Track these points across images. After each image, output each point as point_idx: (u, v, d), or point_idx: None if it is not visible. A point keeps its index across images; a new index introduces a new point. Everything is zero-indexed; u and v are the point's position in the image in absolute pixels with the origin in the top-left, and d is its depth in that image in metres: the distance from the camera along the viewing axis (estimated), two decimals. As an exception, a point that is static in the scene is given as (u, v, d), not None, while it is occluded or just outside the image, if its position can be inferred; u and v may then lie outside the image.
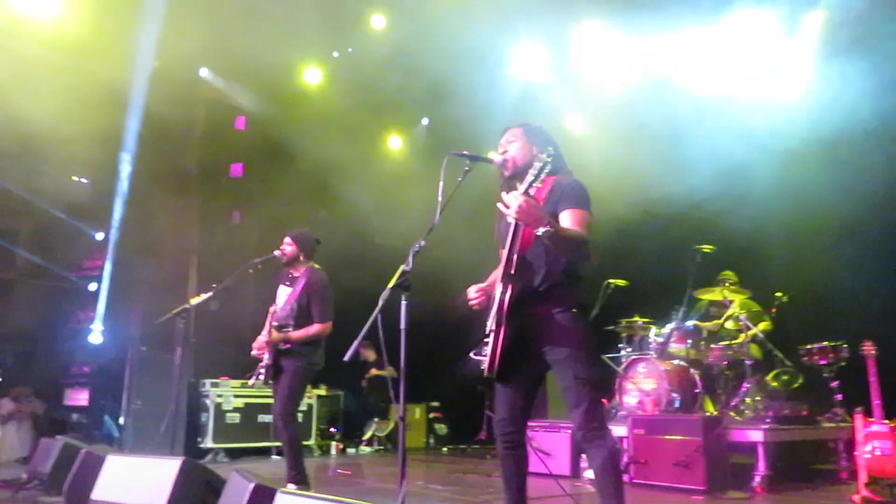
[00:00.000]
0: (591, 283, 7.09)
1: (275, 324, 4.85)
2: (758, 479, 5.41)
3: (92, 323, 8.57)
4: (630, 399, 6.59)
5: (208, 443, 7.71)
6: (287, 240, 5.06)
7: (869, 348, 5.21)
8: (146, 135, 7.75)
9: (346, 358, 2.79)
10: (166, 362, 7.58)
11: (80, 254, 8.94)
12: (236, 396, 7.95)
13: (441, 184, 3.06)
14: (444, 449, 9.53)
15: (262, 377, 4.75)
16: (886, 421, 5.04)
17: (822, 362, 6.49)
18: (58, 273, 8.87)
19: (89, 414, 8.33)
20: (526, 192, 2.76)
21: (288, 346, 4.81)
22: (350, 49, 8.70)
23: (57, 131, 7.19)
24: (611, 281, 7.23)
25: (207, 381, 7.89)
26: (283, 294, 4.98)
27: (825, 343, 6.46)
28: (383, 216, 9.64)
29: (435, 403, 9.91)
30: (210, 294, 4.83)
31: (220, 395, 7.84)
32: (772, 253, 7.91)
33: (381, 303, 2.77)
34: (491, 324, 2.91)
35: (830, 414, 6.43)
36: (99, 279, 8.59)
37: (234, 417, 7.89)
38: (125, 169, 8.14)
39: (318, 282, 4.95)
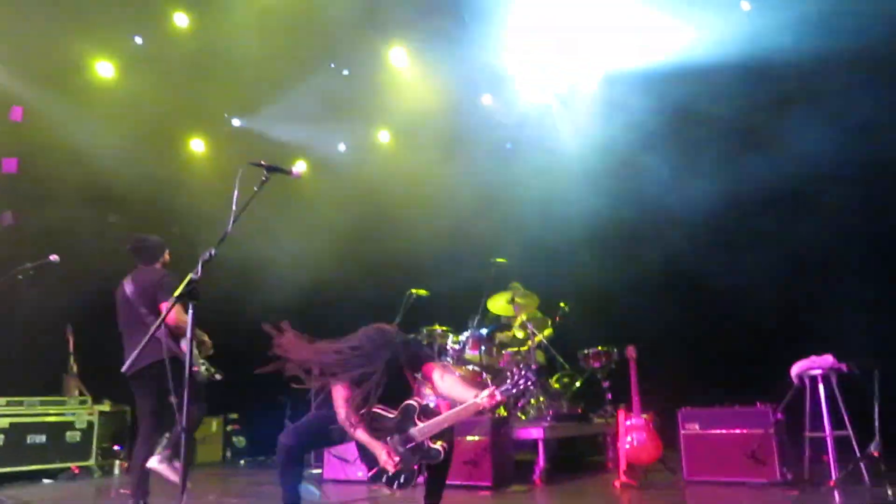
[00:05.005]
0: (396, 293, 7.38)
1: None
2: (538, 472, 5.91)
3: None
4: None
5: (-33, 468, 6.83)
6: None
7: (631, 352, 5.94)
8: None
9: (125, 369, 2.68)
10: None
11: None
12: (1, 416, 7.14)
13: (235, 193, 3.06)
14: (243, 462, 9.25)
15: None
16: (644, 415, 5.78)
17: (596, 365, 7.25)
18: None
19: None
20: None
21: None
22: (146, 42, 8.21)
23: None
24: (412, 291, 7.51)
25: (-33, 399, 7.01)
26: None
27: (599, 348, 7.23)
28: (184, 222, 9.21)
29: (233, 415, 9.59)
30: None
31: (-19, 415, 6.99)
32: (556, 265, 8.75)
33: (165, 313, 2.71)
34: None
35: (602, 411, 7.20)
36: None
37: (-2, 439, 7.07)
38: None
39: None
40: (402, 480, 3.52)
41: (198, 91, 8.48)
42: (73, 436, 7.75)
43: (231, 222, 3.02)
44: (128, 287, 4.72)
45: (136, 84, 8.34)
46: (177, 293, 2.74)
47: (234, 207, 3.05)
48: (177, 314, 4.23)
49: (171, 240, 9.31)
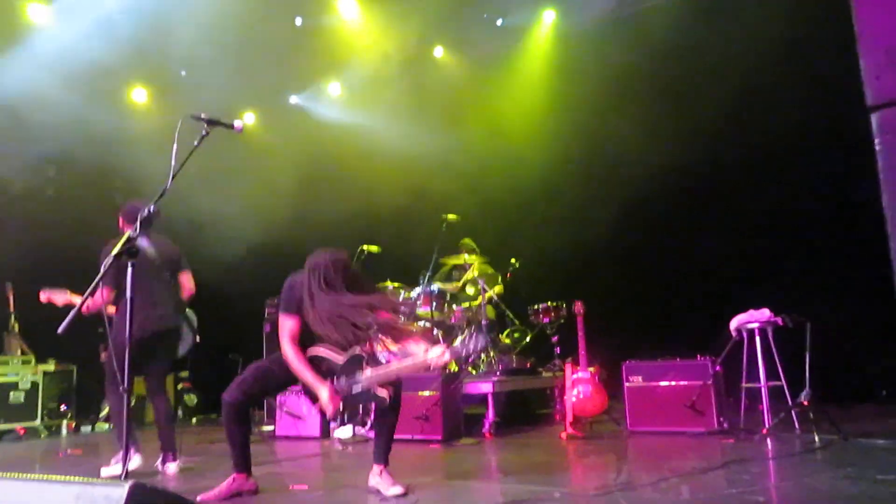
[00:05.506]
0: (347, 249, 7.33)
1: None
2: (487, 425, 6.04)
3: None
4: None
5: None
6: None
7: (579, 307, 6.05)
8: None
9: (60, 330, 2.61)
10: None
11: None
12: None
13: (175, 147, 2.96)
14: (194, 420, 9.21)
15: None
16: (590, 369, 5.93)
17: (546, 320, 7.37)
18: None
19: None
20: None
21: None
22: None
23: None
24: (364, 247, 7.48)
25: None
26: None
27: (548, 303, 7.34)
28: (127, 177, 8.93)
29: (184, 374, 9.51)
30: None
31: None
32: (508, 222, 8.82)
33: (102, 270, 2.63)
34: None
35: (550, 365, 7.36)
36: None
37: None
38: None
39: None
40: (345, 418, 3.55)
41: (140, 37, 8.13)
42: (16, 396, 7.59)
43: (170, 178, 2.93)
44: (148, 249, 4.77)
45: (73, 28, 7.94)
46: (115, 251, 2.66)
47: (173, 162, 2.96)
48: (193, 284, 5.07)
49: (113, 195, 9.14)
